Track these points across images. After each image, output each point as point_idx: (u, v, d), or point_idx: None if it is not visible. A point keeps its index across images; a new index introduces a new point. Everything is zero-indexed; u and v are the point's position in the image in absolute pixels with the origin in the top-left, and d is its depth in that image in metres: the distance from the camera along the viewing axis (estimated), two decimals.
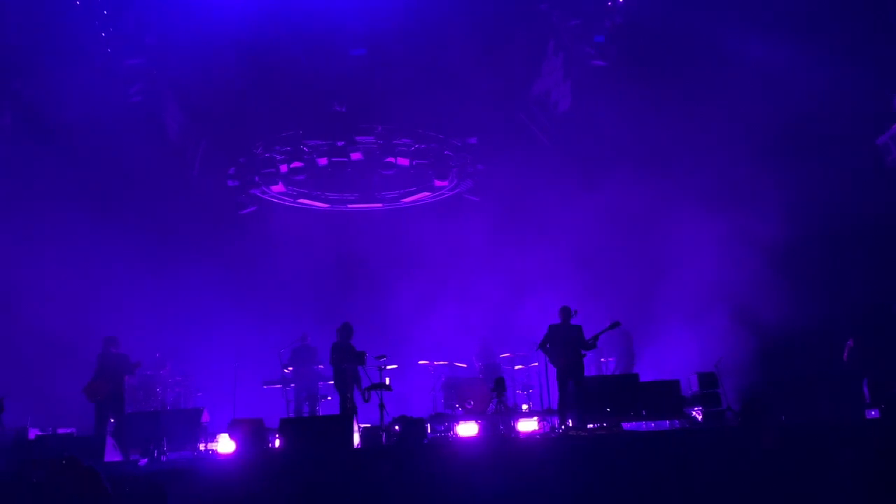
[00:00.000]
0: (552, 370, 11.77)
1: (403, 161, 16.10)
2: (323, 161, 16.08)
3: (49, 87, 13.80)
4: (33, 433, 10.79)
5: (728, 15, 13.98)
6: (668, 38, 14.20)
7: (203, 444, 11.67)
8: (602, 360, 14.20)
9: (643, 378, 11.51)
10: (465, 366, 14.10)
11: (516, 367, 14.02)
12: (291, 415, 13.21)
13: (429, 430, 10.97)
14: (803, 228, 13.52)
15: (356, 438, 10.02)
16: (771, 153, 14.03)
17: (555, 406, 11.80)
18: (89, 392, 11.37)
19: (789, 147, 13.98)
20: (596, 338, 11.46)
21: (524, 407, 13.64)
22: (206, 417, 12.15)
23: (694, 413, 11.44)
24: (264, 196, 17.04)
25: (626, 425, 10.88)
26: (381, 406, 11.04)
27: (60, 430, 11.34)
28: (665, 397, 10.99)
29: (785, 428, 9.31)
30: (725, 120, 14.11)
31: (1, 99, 13.97)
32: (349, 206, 17.84)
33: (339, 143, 15.94)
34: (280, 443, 9.88)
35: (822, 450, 8.02)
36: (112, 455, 9.91)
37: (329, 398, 13.83)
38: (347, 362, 11.53)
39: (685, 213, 14.06)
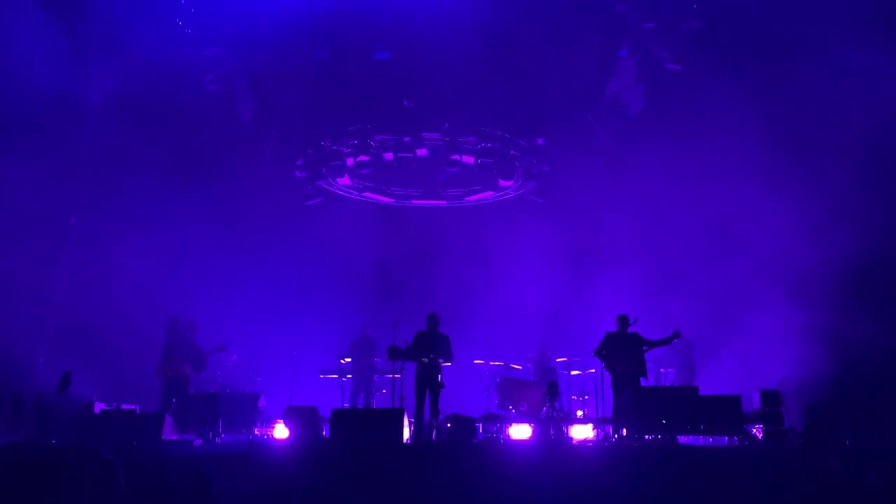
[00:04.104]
0: (608, 377, 11.62)
1: (468, 159, 16.02)
2: (389, 156, 16.15)
3: (131, 73, 14.27)
4: (98, 407, 11.21)
5: (815, 17, 13.36)
6: (750, 38, 13.75)
7: (258, 429, 11.89)
8: (661, 370, 13.87)
9: (703, 392, 11.18)
10: (520, 367, 13.97)
11: (573, 373, 13.83)
12: (346, 405, 13.36)
13: (480, 430, 10.93)
14: (886, 245, 12.83)
15: (406, 433, 10.05)
16: (862, 164, 13.29)
17: (609, 414, 11.61)
18: (165, 369, 11.84)
19: (880, 158, 13.26)
20: (652, 346, 11.35)
21: (579, 413, 13.45)
22: (263, 403, 12.38)
23: (754, 431, 11.06)
24: (330, 188, 17.25)
25: (681, 439, 10.60)
26: (435, 404, 11.05)
27: (124, 406, 11.75)
28: (725, 413, 10.58)
29: (849, 451, 8.90)
30: (813, 126, 13.46)
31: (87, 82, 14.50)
32: (413, 201, 17.91)
33: (406, 139, 16.00)
34: (331, 432, 9.99)
35: (888, 475, 7.65)
36: (169, 434, 10.20)
37: (384, 391, 13.95)
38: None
39: (758, 222, 13.58)
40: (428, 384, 11.07)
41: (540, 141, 16.02)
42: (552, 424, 10.92)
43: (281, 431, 11.38)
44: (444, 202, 17.83)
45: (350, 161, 16.29)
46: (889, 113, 12.70)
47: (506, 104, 15.03)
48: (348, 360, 13.85)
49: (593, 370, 13.28)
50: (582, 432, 11.61)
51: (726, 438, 10.71)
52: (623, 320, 11.48)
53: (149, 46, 13.97)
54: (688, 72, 14.30)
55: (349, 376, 13.89)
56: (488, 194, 17.48)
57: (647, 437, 10.45)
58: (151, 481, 4.69)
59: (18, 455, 7.26)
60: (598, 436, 11.45)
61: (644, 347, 11.41)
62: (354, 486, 8.25)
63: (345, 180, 16.96)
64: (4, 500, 4.28)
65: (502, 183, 16.78)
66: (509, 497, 7.99)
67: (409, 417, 10.42)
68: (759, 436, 10.91)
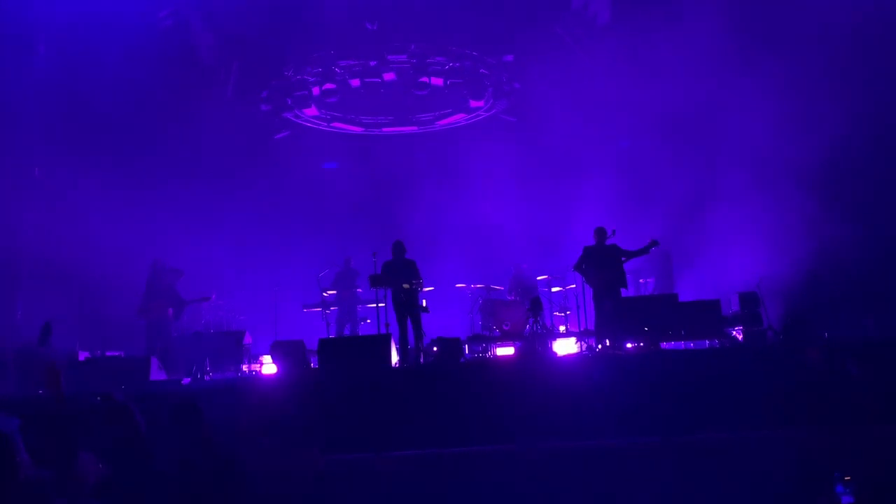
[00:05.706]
0: (589, 291, 11.73)
1: (437, 81, 15.71)
2: (356, 82, 15.78)
3: (77, 17, 13.62)
4: (83, 356, 11.15)
5: None
6: None
7: (246, 366, 11.93)
8: (641, 280, 14.03)
9: (682, 298, 11.33)
10: (501, 288, 14.06)
11: (553, 290, 13.95)
12: (332, 336, 13.41)
13: (466, 351, 11.05)
14: (858, 137, 12.76)
15: (394, 357, 10.14)
16: (841, 69, 12.99)
17: (592, 327, 11.76)
18: (147, 310, 11.79)
19: (863, 59, 13.00)
20: (631, 256, 11.44)
21: (561, 328, 13.63)
22: (248, 339, 12.39)
23: (734, 333, 11.28)
24: (298, 120, 16.89)
25: (664, 345, 10.79)
26: (418, 328, 11.12)
27: (109, 353, 11.70)
28: (704, 317, 10.76)
29: (828, 344, 9.12)
30: (785, 16, 13.08)
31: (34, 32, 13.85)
32: (384, 129, 17.63)
33: (372, 63, 15.60)
34: (319, 362, 10.04)
35: (864, 366, 7.87)
36: (157, 375, 10.21)
37: (368, 321, 14.03)
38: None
39: (730, 121, 13.47)
40: (406, 309, 11.14)
41: (509, 58, 15.70)
42: (537, 340, 11.06)
43: (268, 366, 11.42)
44: (415, 128, 17.57)
45: (316, 90, 15.91)
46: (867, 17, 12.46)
47: (472, 20, 14.61)
48: (332, 292, 13.85)
49: (573, 286, 13.41)
50: (566, 347, 11.77)
51: (707, 342, 10.94)
52: (601, 233, 11.52)
53: None
54: None
55: (333, 308, 13.92)
56: (460, 117, 17.23)
57: (629, 345, 10.62)
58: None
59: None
60: (581, 348, 11.62)
61: (623, 258, 11.51)
62: (347, 411, 8.34)
63: (312, 111, 16.60)
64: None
65: (473, 104, 16.54)
66: (499, 410, 8.12)
67: (395, 343, 10.50)
68: (740, 337, 11.13)
